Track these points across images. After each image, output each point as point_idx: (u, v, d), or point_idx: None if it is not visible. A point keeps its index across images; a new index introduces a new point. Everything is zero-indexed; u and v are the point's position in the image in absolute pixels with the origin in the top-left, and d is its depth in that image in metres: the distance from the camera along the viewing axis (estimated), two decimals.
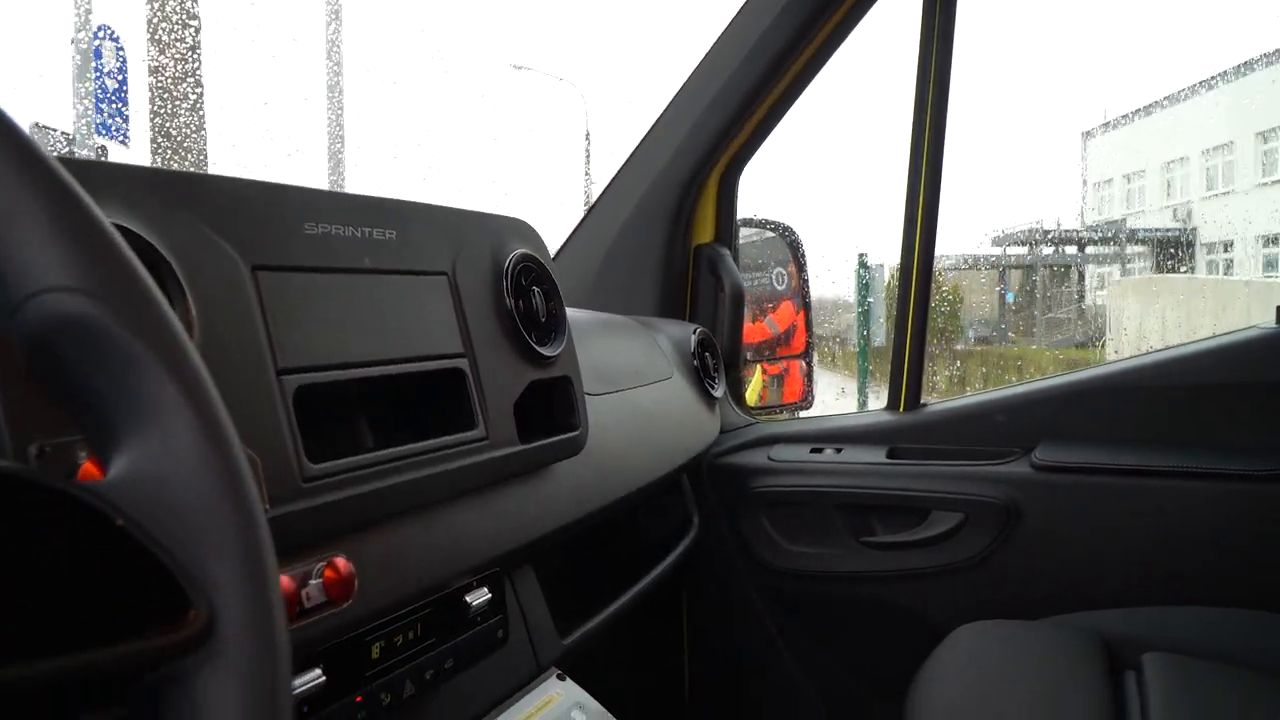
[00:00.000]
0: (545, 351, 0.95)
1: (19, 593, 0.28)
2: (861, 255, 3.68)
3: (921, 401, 1.62)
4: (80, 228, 0.35)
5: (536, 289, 0.97)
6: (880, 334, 3.73)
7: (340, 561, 0.67)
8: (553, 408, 0.99)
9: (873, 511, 1.55)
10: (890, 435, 1.60)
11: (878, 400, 2.31)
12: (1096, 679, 1.14)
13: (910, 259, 1.59)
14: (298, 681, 0.65)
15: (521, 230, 0.99)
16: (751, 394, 1.86)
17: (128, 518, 0.32)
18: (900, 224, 1.60)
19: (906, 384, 1.61)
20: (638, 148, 1.65)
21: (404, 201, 0.83)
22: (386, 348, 0.77)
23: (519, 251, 0.95)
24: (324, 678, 0.67)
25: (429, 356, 0.81)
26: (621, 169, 1.66)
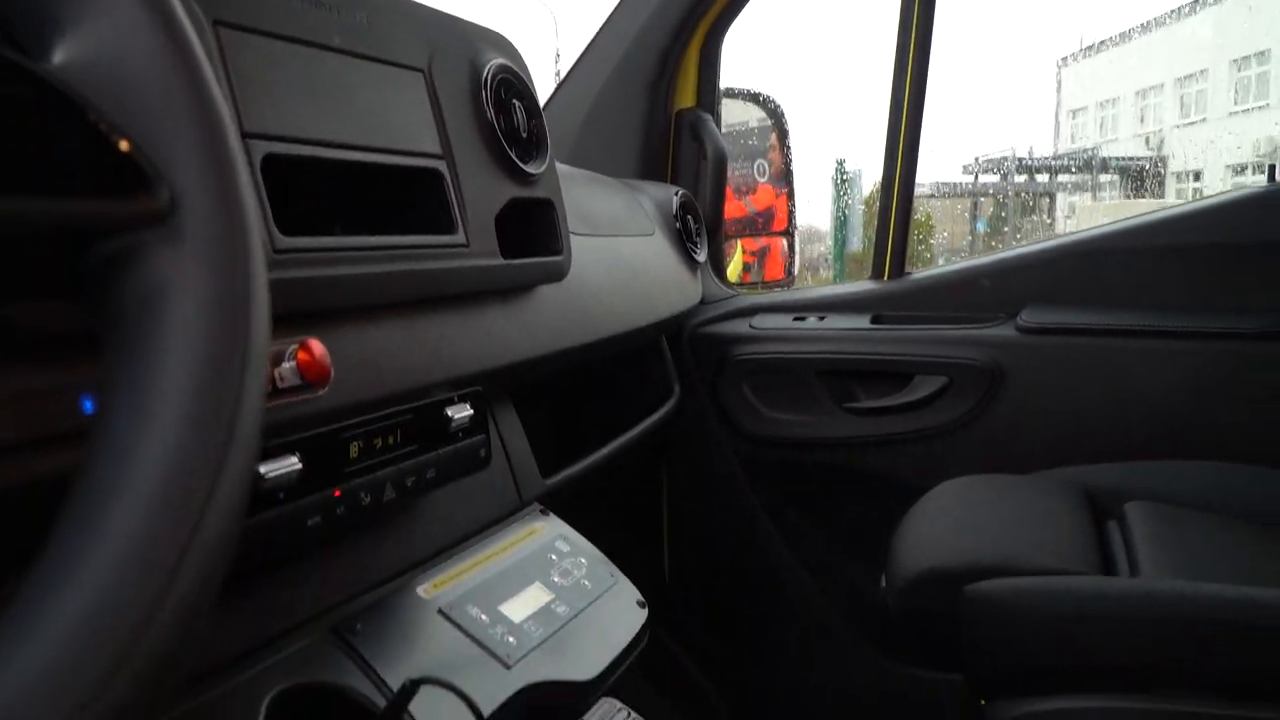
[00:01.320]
0: (528, 169, 0.91)
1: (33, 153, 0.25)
2: (840, 161, 3.64)
3: (906, 270, 1.60)
4: None
5: (517, 103, 0.92)
6: (856, 244, 3.70)
7: (314, 343, 0.63)
8: (534, 231, 0.96)
9: (855, 377, 1.54)
10: (874, 303, 1.58)
11: None
12: (1082, 524, 1.14)
13: (898, 122, 1.55)
14: (275, 466, 0.62)
15: (500, 43, 0.94)
16: (733, 271, 1.83)
17: (81, 95, 0.28)
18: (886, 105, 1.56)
19: (891, 252, 1.58)
20: (616, 9, 1.59)
21: None
22: (360, 134, 0.73)
23: (499, 62, 0.91)
24: (300, 466, 0.64)
25: (406, 152, 0.77)
26: (600, 31, 1.60)
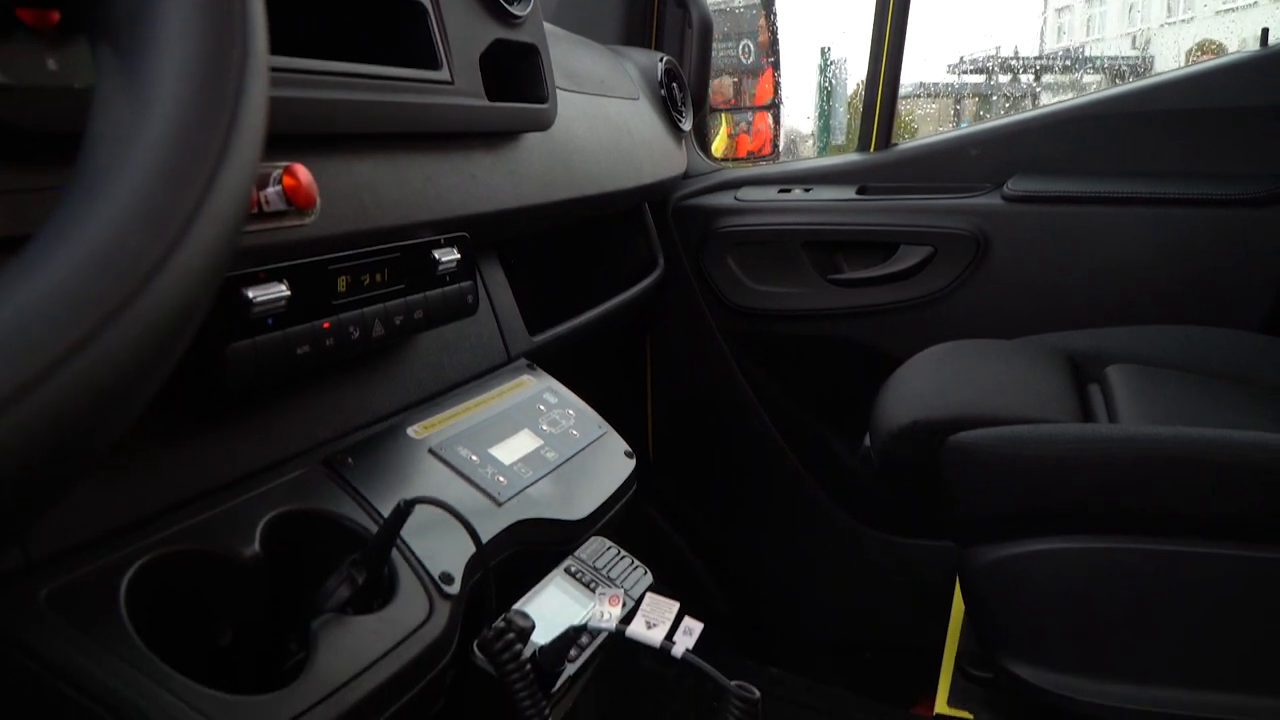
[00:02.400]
0: (513, 9, 0.89)
1: None
2: (824, 49, 3.57)
3: (892, 141, 1.58)
4: None
5: None
6: (840, 133, 3.65)
7: (298, 168, 0.62)
8: (520, 77, 0.94)
9: (840, 249, 1.54)
10: (860, 175, 1.56)
11: None
12: (1064, 384, 1.15)
13: (885, 4, 1.52)
14: (263, 292, 0.62)
15: None
16: (718, 146, 1.81)
17: None
18: None
19: (878, 123, 1.56)
20: None
21: None
22: None
23: None
24: (289, 293, 0.63)
25: None
26: None
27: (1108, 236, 1.39)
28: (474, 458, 0.81)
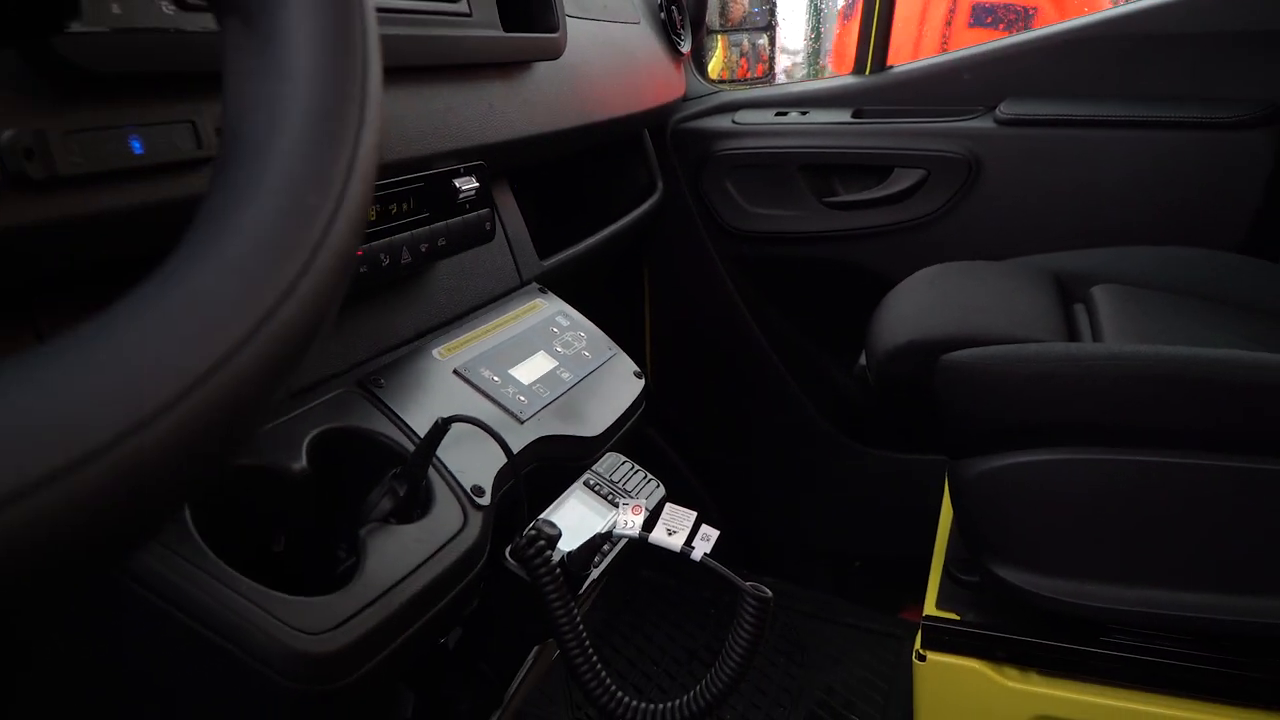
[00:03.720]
0: None
1: None
2: None
3: (887, 65, 1.60)
4: None
5: None
6: (832, 25, 3.63)
7: None
8: (531, 6, 0.95)
9: (835, 171, 1.57)
10: (856, 98, 1.59)
11: None
12: (1050, 304, 1.20)
13: None
14: None
15: None
16: (714, 67, 1.81)
17: None
18: None
19: (874, 46, 1.58)
20: None
21: None
22: None
23: None
24: None
25: None
26: None
27: (1095, 159, 1.43)
28: (495, 378, 0.85)
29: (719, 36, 1.82)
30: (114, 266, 0.53)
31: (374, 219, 0.75)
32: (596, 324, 1.04)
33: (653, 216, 1.48)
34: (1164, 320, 1.14)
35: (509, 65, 0.92)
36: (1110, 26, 1.47)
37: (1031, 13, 3.71)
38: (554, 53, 0.97)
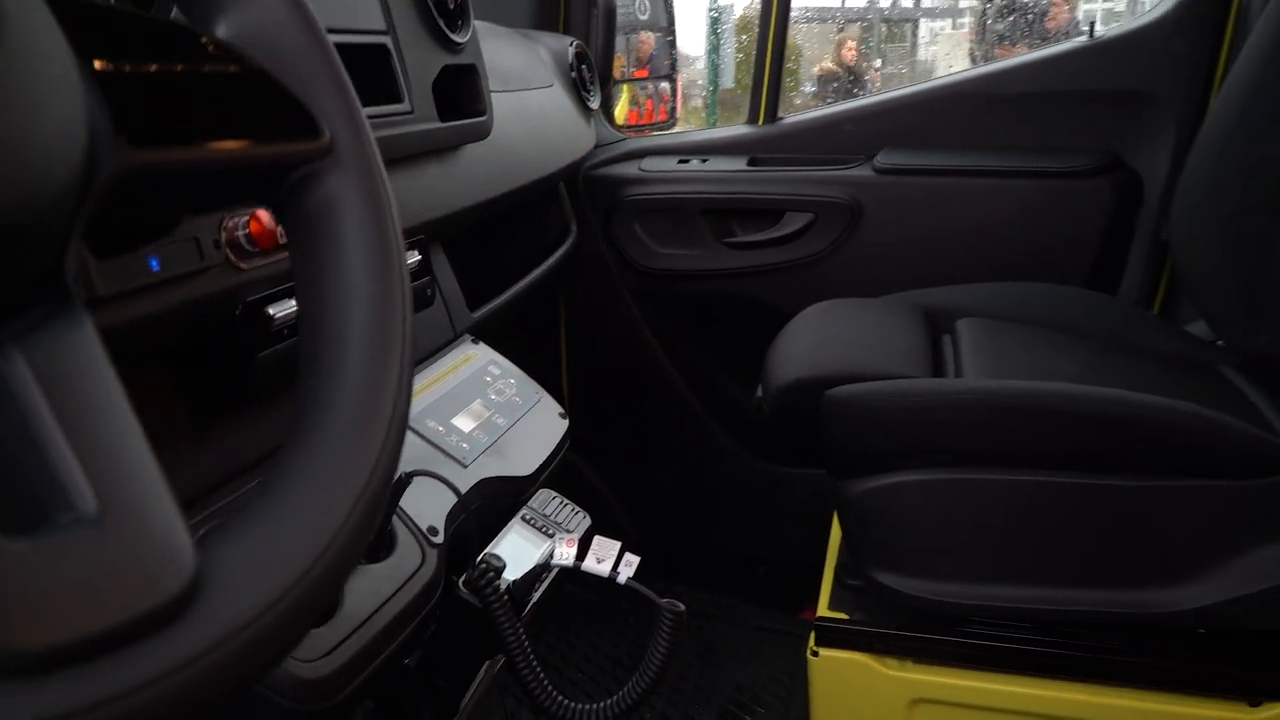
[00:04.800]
0: (455, 38, 1.03)
1: (191, 102, 0.38)
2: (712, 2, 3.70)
3: (779, 115, 1.76)
4: None
5: None
6: (730, 78, 3.81)
7: (261, 213, 0.75)
8: (462, 94, 1.08)
9: (733, 215, 1.72)
10: (750, 146, 1.74)
11: None
12: (920, 338, 1.36)
13: None
14: (280, 308, 0.76)
15: None
16: (620, 113, 1.95)
17: (249, 58, 0.42)
18: None
19: (765, 100, 1.74)
20: None
21: None
22: (321, 18, 0.83)
23: None
24: (298, 306, 0.78)
25: (358, 30, 0.88)
26: None
27: (961, 204, 1.61)
28: (440, 428, 0.97)
29: (624, 85, 1.96)
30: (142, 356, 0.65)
31: None
32: (518, 357, 1.16)
33: (568, 258, 1.61)
34: (1016, 352, 1.31)
35: (445, 150, 1.04)
36: (971, 85, 1.66)
37: None
38: (483, 134, 1.09)
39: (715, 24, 3.80)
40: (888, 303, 1.49)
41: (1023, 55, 1.66)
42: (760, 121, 1.76)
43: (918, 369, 1.24)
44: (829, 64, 5.43)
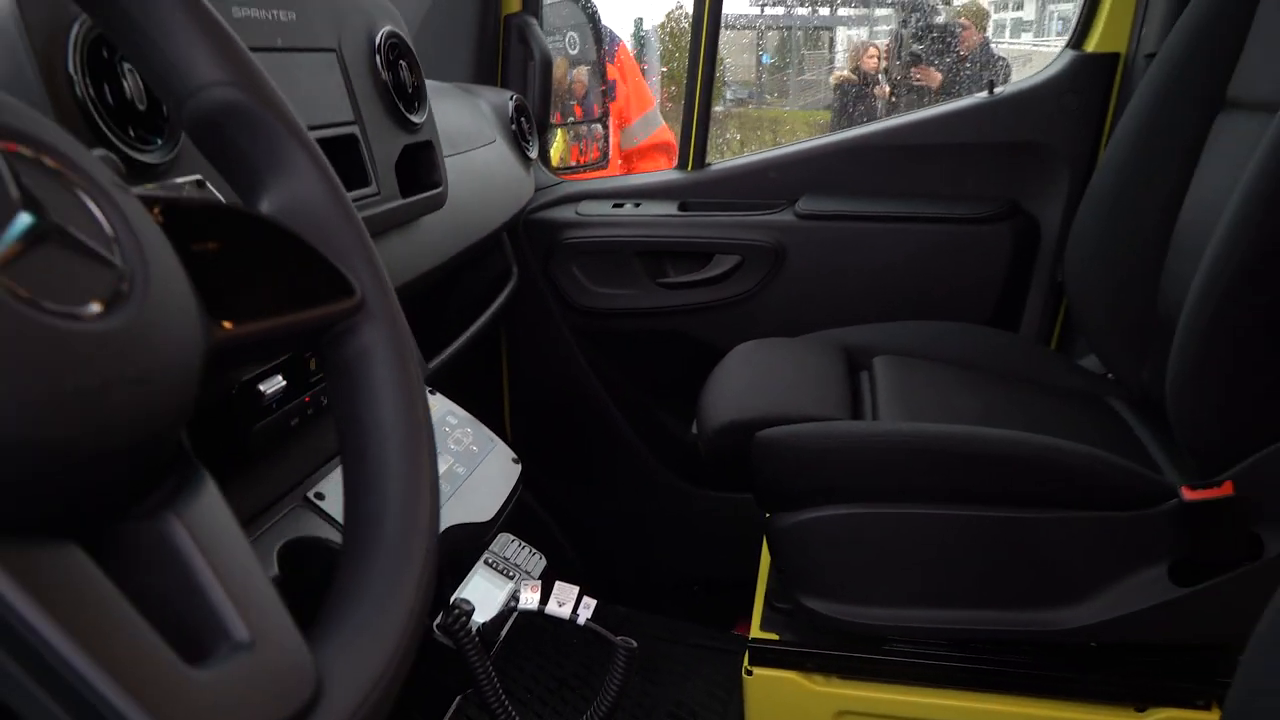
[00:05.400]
0: (414, 119, 1.11)
1: (255, 276, 0.47)
2: (638, 20, 3.81)
3: (706, 161, 1.88)
4: (218, 34, 0.51)
5: (403, 62, 1.11)
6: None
7: None
8: (419, 168, 1.16)
9: (666, 256, 1.83)
10: (681, 191, 1.85)
11: None
12: (840, 377, 1.49)
13: (698, 36, 1.79)
14: (269, 385, 0.84)
15: (385, 8, 1.11)
16: (555, 155, 2.05)
17: (290, 233, 0.50)
18: None
19: (694, 146, 1.85)
20: None
21: None
22: (302, 118, 0.91)
23: (388, 28, 1.09)
24: (284, 383, 0.86)
25: (332, 124, 0.96)
26: None
27: (875, 247, 1.75)
28: None
29: (558, 129, 2.06)
30: None
31: (314, 368, 0.94)
32: (460, 394, 1.24)
33: (511, 300, 1.70)
34: (926, 392, 1.44)
35: (406, 223, 1.13)
36: (884, 136, 1.79)
37: None
38: (440, 204, 1.18)
39: (641, 48, 3.91)
40: (809, 342, 1.61)
41: (929, 109, 1.80)
42: (690, 167, 1.87)
43: (839, 410, 1.35)
44: (846, 72, 5.50)
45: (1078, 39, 1.73)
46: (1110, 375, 1.59)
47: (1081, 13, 1.74)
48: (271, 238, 0.49)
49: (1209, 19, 1.39)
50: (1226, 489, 1.15)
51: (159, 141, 0.71)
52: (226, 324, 0.44)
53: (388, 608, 0.43)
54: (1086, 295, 1.52)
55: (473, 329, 1.46)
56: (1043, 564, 1.21)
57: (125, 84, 0.70)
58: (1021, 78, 1.77)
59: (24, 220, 0.33)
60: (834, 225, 1.76)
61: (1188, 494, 1.16)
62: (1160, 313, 1.39)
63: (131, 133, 0.69)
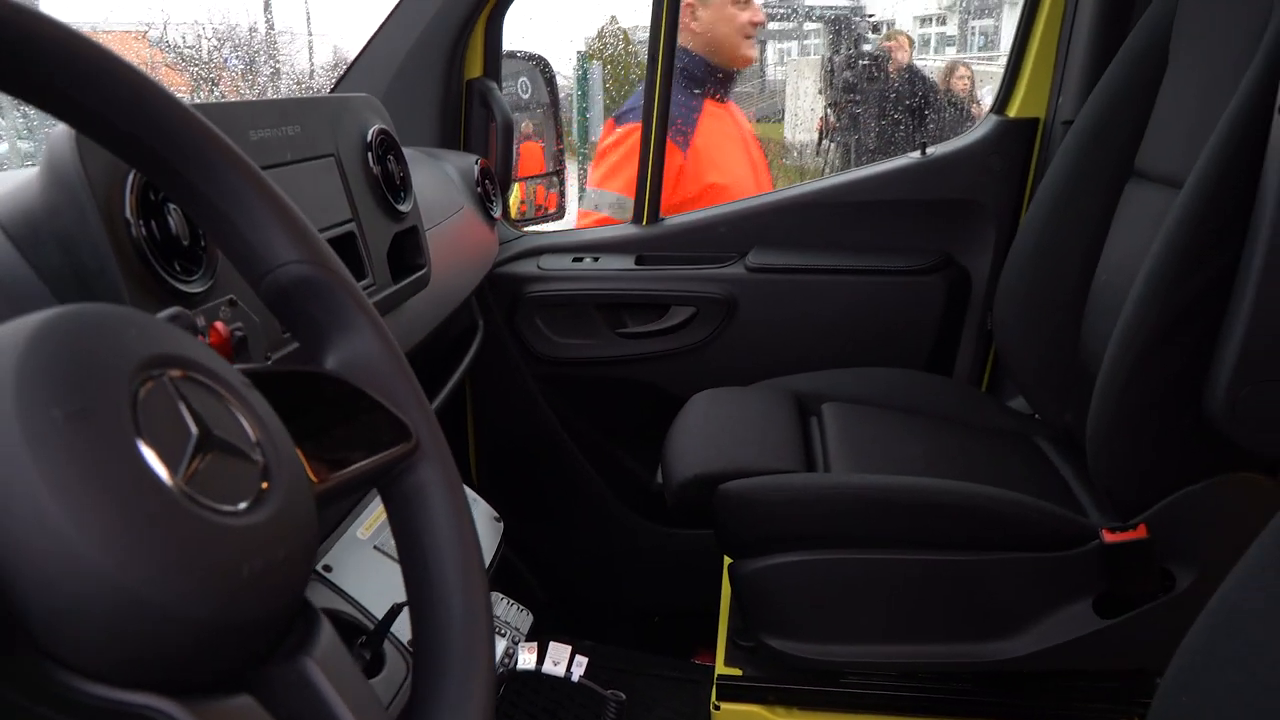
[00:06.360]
0: (402, 209, 1.20)
1: (335, 431, 0.56)
2: (580, 53, 3.90)
3: (660, 217, 1.98)
4: (289, 216, 0.60)
5: (391, 156, 1.20)
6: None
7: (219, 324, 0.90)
8: (405, 252, 1.24)
9: (624, 308, 1.93)
10: (637, 245, 1.95)
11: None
12: (792, 423, 1.60)
13: (652, 96, 1.89)
14: None
15: (374, 106, 1.20)
16: (514, 207, 2.13)
17: (356, 388, 0.59)
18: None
19: (649, 203, 1.96)
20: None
21: (298, 98, 1.04)
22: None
23: (377, 126, 1.17)
24: None
25: (334, 225, 1.05)
26: (395, 10, 1.81)
27: (821, 299, 1.87)
28: None
29: (516, 182, 2.14)
30: None
31: None
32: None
33: (479, 353, 1.78)
34: (873, 438, 1.56)
35: (396, 306, 1.21)
36: (825, 194, 1.92)
37: None
38: (425, 285, 1.26)
39: (583, 80, 4.00)
40: (762, 390, 1.72)
41: (868, 169, 1.93)
42: (645, 222, 1.97)
43: (794, 460, 1.47)
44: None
45: (1001, 104, 1.88)
46: (1037, 416, 1.73)
47: (1004, 79, 1.89)
48: (343, 394, 0.58)
49: (1119, 92, 1.53)
50: (1141, 531, 1.28)
51: (198, 271, 0.79)
52: (316, 479, 0.52)
53: (467, 711, 0.52)
54: (1014, 345, 1.65)
55: (448, 387, 1.54)
56: (981, 601, 1.34)
57: (171, 220, 0.77)
58: (948, 141, 1.91)
59: (196, 437, 0.41)
60: (782, 278, 1.88)
61: (1108, 536, 1.29)
62: (1081, 361, 1.53)
63: (177, 266, 0.77)
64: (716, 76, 2.29)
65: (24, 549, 0.34)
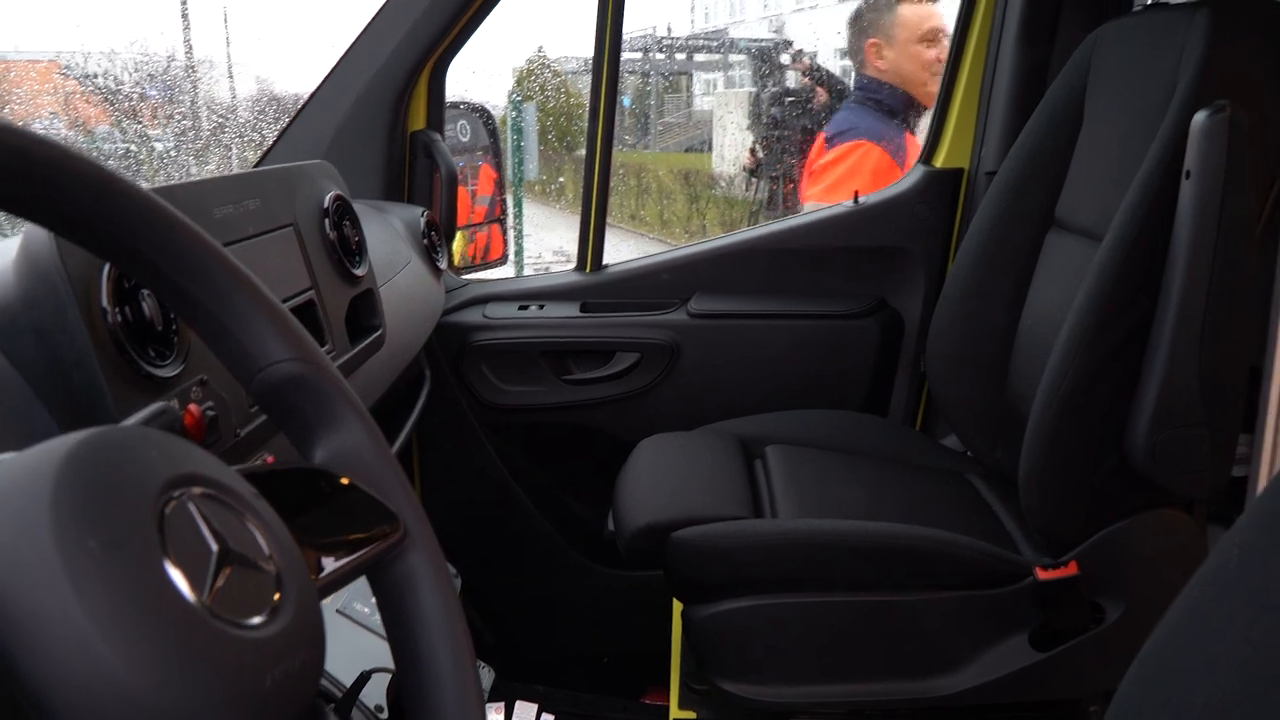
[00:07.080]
0: (358, 272, 1.22)
1: (329, 524, 0.58)
2: (511, 95, 3.94)
3: (604, 264, 2.02)
4: (278, 317, 0.62)
5: (346, 221, 1.22)
6: (534, 169, 4.07)
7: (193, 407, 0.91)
8: (361, 315, 1.26)
9: (570, 355, 1.96)
10: (581, 293, 1.99)
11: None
12: (738, 467, 1.64)
13: (594, 146, 1.94)
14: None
15: (329, 172, 1.22)
16: (457, 255, 2.16)
17: (345, 481, 0.62)
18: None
19: (592, 250, 2.00)
20: (355, 43, 1.82)
21: (257, 171, 1.05)
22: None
23: (333, 192, 1.19)
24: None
25: (293, 295, 1.06)
26: (340, 62, 1.83)
27: (761, 343, 1.93)
28: (366, 609, 1.15)
29: (459, 230, 2.17)
30: None
31: None
32: None
33: (427, 402, 1.80)
34: (815, 481, 1.61)
35: (354, 369, 1.23)
36: (761, 241, 1.98)
37: None
38: (381, 345, 1.28)
39: (517, 118, 4.04)
40: (708, 435, 1.77)
41: (803, 217, 2.00)
42: (589, 269, 2.01)
43: (742, 506, 1.51)
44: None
45: (927, 155, 1.97)
46: (969, 453, 1.80)
47: (930, 130, 1.97)
48: (335, 487, 0.61)
49: (1038, 146, 1.62)
50: (1072, 568, 1.35)
51: (171, 355, 0.81)
52: (314, 575, 0.55)
53: None
54: (945, 386, 1.72)
55: (401, 437, 1.55)
56: (923, 639, 1.39)
57: (144, 306, 0.79)
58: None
59: (216, 554, 0.44)
60: (723, 323, 1.93)
61: (1041, 574, 1.36)
62: (1010, 402, 1.60)
63: (151, 351, 0.79)
64: (915, 107, 2.35)
65: (69, 676, 0.37)
